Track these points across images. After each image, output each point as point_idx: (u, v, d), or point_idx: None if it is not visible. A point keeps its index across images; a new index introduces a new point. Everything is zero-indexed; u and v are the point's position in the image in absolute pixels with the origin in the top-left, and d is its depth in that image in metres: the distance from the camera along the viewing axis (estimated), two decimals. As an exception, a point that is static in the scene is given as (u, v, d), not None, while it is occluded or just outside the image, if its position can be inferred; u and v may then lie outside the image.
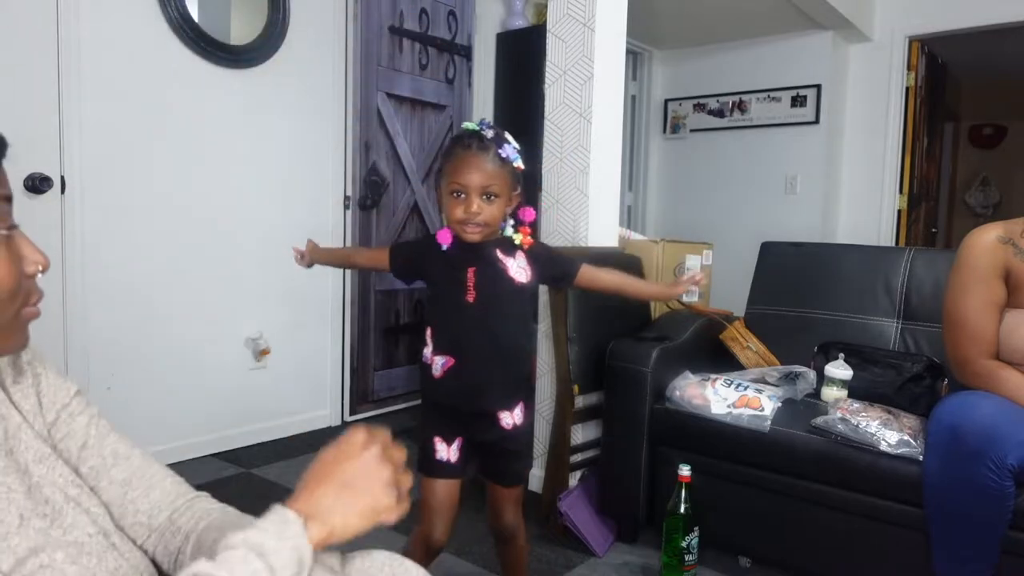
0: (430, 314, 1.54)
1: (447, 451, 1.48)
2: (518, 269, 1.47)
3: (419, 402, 2.08)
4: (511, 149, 1.41)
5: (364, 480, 0.71)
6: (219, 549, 0.64)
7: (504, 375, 1.47)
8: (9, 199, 0.73)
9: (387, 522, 0.72)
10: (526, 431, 1.55)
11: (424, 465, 1.49)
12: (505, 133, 1.44)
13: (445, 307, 1.48)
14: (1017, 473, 1.42)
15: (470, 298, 1.44)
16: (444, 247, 1.45)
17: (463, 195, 1.38)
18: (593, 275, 1.57)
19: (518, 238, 1.49)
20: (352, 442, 0.73)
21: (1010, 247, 1.63)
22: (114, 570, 0.76)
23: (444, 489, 1.49)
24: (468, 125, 1.44)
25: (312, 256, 1.68)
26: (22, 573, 0.68)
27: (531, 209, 1.51)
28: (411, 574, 0.79)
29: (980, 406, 1.52)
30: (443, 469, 1.49)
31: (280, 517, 0.67)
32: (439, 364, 1.46)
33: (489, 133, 1.41)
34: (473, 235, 1.40)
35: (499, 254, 1.46)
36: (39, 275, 0.75)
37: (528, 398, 1.55)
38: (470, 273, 1.44)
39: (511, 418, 1.48)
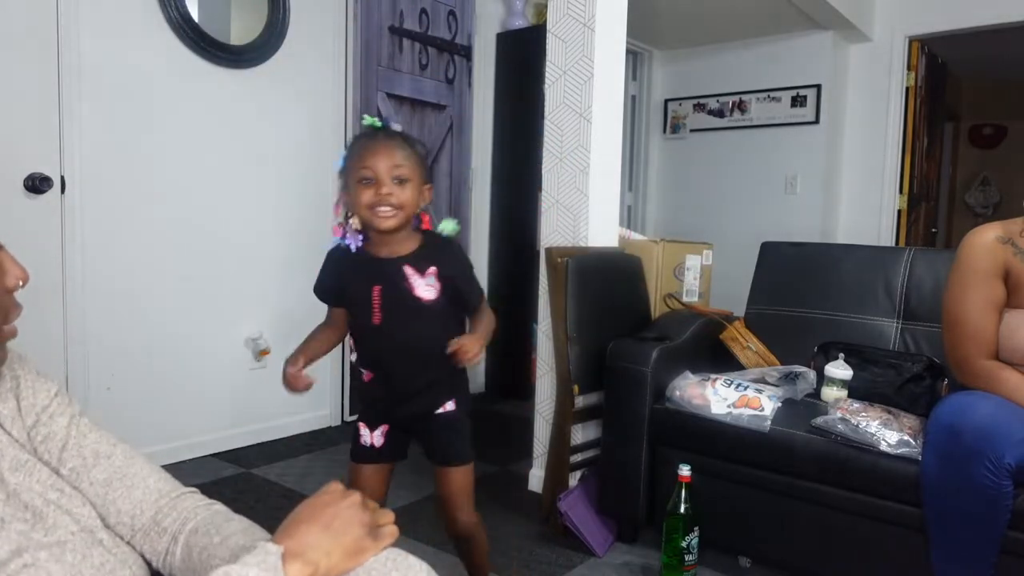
0: (351, 327, 1.51)
1: (370, 437, 1.52)
2: (426, 288, 1.41)
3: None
4: (418, 145, 1.43)
5: (345, 522, 0.75)
6: None
7: (428, 383, 1.46)
8: None
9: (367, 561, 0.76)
10: (461, 419, 1.51)
11: (351, 451, 1.54)
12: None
13: (357, 325, 1.48)
14: (1015, 473, 1.42)
15: (376, 320, 1.42)
16: (353, 249, 1.43)
17: (373, 180, 1.35)
18: (478, 313, 1.51)
19: (449, 226, 1.47)
20: (331, 491, 0.77)
21: (1009, 247, 1.63)
22: (100, 565, 0.76)
23: (368, 474, 1.52)
24: (372, 121, 1.41)
25: (299, 369, 1.51)
26: (5, 573, 0.68)
27: (428, 217, 1.48)
28: (414, 569, 0.79)
29: (979, 406, 1.52)
30: (367, 454, 1.52)
31: (262, 549, 0.69)
32: (364, 372, 1.50)
33: (396, 127, 1.43)
34: (387, 220, 1.36)
35: (407, 271, 1.40)
36: (19, 288, 0.76)
37: (461, 392, 1.52)
38: (375, 293, 1.41)
39: (443, 410, 1.49)
